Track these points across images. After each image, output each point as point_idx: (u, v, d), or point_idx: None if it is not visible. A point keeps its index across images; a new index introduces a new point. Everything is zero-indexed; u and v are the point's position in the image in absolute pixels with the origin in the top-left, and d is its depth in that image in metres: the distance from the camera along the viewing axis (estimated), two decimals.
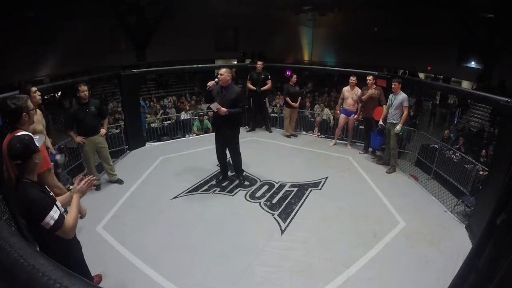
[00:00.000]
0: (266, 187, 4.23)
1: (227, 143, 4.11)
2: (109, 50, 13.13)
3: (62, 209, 1.79)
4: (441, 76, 13.78)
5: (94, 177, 2.01)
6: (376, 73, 5.70)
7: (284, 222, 3.47)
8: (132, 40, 13.29)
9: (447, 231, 3.47)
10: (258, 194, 4.06)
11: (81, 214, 1.96)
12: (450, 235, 3.41)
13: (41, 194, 1.64)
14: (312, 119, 7.62)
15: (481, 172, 5.16)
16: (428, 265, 2.91)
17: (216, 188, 4.18)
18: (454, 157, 6.15)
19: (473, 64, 12.52)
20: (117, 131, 6.30)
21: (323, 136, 6.78)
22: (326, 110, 8.85)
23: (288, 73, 7.92)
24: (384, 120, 4.91)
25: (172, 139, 6.58)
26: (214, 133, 4.34)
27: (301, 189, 4.19)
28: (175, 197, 3.95)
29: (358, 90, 5.45)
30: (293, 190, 4.15)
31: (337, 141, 6.02)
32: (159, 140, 6.70)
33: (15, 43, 9.72)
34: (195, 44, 14.67)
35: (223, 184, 4.28)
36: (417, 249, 3.11)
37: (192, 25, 14.27)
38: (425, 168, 5.72)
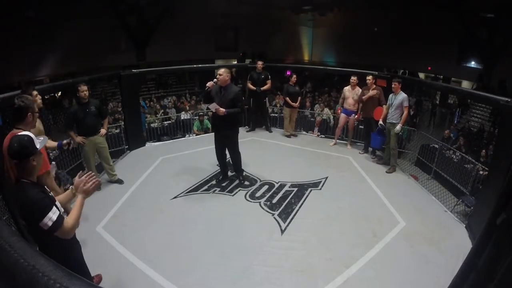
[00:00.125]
0: (266, 187, 4.23)
1: (226, 143, 4.12)
2: (109, 50, 13.12)
3: (62, 210, 1.78)
4: (441, 76, 13.77)
5: (99, 179, 1.99)
6: (376, 73, 5.71)
7: (284, 222, 3.47)
8: (132, 40, 13.29)
9: (447, 231, 3.47)
10: (258, 194, 4.07)
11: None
12: (450, 235, 3.41)
13: (40, 195, 1.64)
14: (312, 119, 7.62)
15: (481, 172, 5.16)
16: (428, 265, 2.91)
17: (216, 188, 4.18)
18: (454, 157, 6.15)
19: (473, 64, 12.51)
20: (117, 131, 6.30)
21: (323, 136, 6.78)
22: (326, 110, 8.85)
23: (288, 73, 7.92)
24: (384, 120, 4.91)
25: (172, 139, 6.58)
26: (213, 133, 4.35)
27: (301, 189, 4.19)
28: (175, 197, 3.95)
29: (359, 90, 5.45)
30: (293, 190, 4.15)
31: (337, 141, 6.02)
32: (159, 140, 6.70)
33: (15, 43, 9.71)
34: (195, 44, 14.67)
35: (223, 184, 4.28)
36: (417, 249, 3.11)
37: (192, 25, 14.27)
38: (425, 168, 5.73)
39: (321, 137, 6.72)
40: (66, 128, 3.88)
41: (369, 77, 5.23)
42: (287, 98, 6.08)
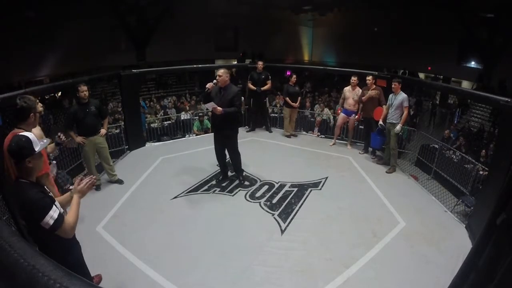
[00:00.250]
0: (266, 187, 4.23)
1: (226, 143, 4.11)
2: (109, 50, 13.12)
3: (62, 209, 1.79)
4: (441, 76, 13.77)
5: (95, 177, 1.99)
6: (376, 73, 5.70)
7: (284, 222, 3.47)
8: (132, 40, 13.29)
9: (447, 231, 3.47)
10: (258, 194, 4.07)
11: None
12: (450, 235, 3.41)
13: (40, 195, 1.64)
14: (312, 119, 7.62)
15: (481, 172, 5.16)
16: (428, 265, 2.91)
17: (216, 188, 4.18)
18: (454, 157, 6.15)
19: (473, 64, 12.51)
20: (117, 131, 6.31)
21: (323, 136, 6.78)
22: (326, 110, 8.86)
23: (288, 73, 7.92)
24: (384, 120, 4.91)
25: (172, 139, 6.59)
26: (213, 134, 4.34)
27: (301, 189, 4.19)
28: (175, 197, 3.95)
29: (359, 90, 5.45)
30: (293, 190, 4.15)
31: (337, 141, 6.02)
32: (159, 140, 6.71)
33: (15, 43, 9.71)
34: (195, 44, 14.67)
35: (223, 184, 4.28)
36: (417, 249, 3.11)
37: (192, 25, 14.27)
38: (425, 168, 5.73)
39: (321, 137, 6.72)
40: (66, 128, 3.88)
41: (369, 77, 5.23)
42: (287, 98, 6.08)
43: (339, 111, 5.91)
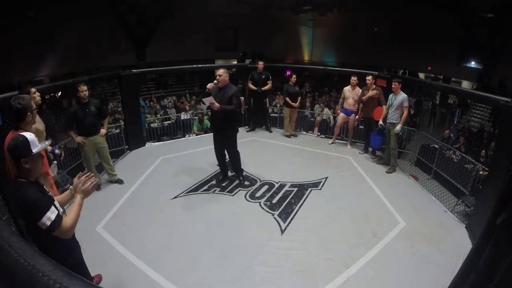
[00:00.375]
0: (266, 187, 4.23)
1: (225, 143, 4.12)
2: (109, 50, 13.12)
3: (61, 210, 1.78)
4: (441, 76, 13.77)
5: (93, 174, 1.98)
6: (376, 73, 5.70)
7: (284, 222, 3.47)
8: (132, 40, 13.28)
9: (447, 231, 3.47)
10: (258, 194, 4.07)
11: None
12: (450, 235, 3.41)
13: (38, 194, 1.63)
14: (312, 119, 7.62)
15: (481, 172, 5.16)
16: (428, 265, 2.91)
17: (216, 188, 4.18)
18: (454, 157, 6.15)
19: (473, 64, 12.51)
20: (117, 131, 6.30)
21: (323, 136, 6.78)
22: (326, 110, 8.85)
23: (288, 73, 7.92)
24: (384, 120, 4.91)
25: (172, 139, 6.58)
26: (213, 134, 4.34)
27: (301, 189, 4.19)
28: (175, 197, 3.95)
29: (359, 90, 5.45)
30: (293, 190, 4.15)
31: (337, 141, 6.03)
32: (159, 140, 6.70)
33: (15, 43, 9.71)
34: (195, 44, 14.67)
35: (223, 184, 4.28)
36: (417, 249, 3.11)
37: (192, 25, 14.27)
38: (425, 168, 5.72)
39: (321, 137, 6.72)
40: (66, 128, 3.88)
41: (369, 77, 5.23)
42: (287, 98, 6.08)
43: (339, 111, 5.91)
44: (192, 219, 3.52)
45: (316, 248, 3.09)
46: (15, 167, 1.62)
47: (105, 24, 12.21)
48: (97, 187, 4.06)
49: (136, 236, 3.19)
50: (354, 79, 5.47)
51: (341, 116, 5.72)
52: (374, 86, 5.22)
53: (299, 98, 6.35)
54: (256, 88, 6.14)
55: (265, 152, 5.50)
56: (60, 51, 11.50)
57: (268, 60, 7.71)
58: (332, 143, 5.99)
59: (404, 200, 4.04)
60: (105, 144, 4.15)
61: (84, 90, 3.77)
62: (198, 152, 5.44)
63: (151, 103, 10.93)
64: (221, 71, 3.79)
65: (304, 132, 6.94)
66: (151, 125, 7.80)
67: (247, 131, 6.50)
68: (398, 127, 4.65)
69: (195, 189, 4.16)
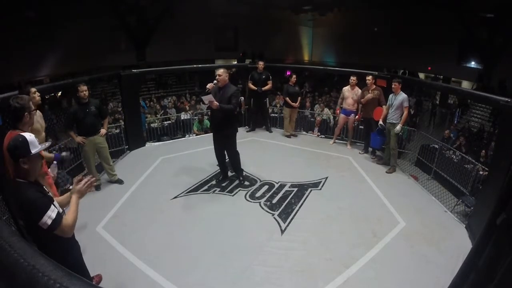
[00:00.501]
0: (266, 187, 4.23)
1: (225, 143, 4.12)
2: (109, 50, 13.11)
3: (61, 209, 1.78)
4: (441, 76, 13.76)
5: (94, 178, 2.00)
6: (376, 73, 5.70)
7: (284, 222, 3.47)
8: (132, 40, 13.29)
9: (447, 231, 3.47)
10: (258, 194, 4.07)
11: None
12: (450, 235, 3.41)
13: (38, 194, 1.63)
14: (312, 119, 7.62)
15: (481, 172, 5.16)
16: (428, 265, 2.91)
17: (216, 188, 4.18)
18: (454, 157, 6.15)
19: (473, 64, 12.50)
20: (117, 131, 6.30)
21: (323, 136, 6.78)
22: (326, 110, 8.86)
23: (288, 73, 7.92)
24: (384, 120, 4.91)
25: (172, 139, 6.58)
26: (212, 134, 4.34)
27: (301, 189, 4.19)
28: (175, 197, 3.95)
29: (358, 90, 5.45)
30: (293, 190, 4.15)
31: (337, 141, 6.04)
32: (159, 140, 6.70)
33: (15, 43, 9.71)
34: (195, 44, 14.66)
35: (223, 184, 4.28)
36: (417, 249, 3.11)
37: (192, 25, 14.26)
38: (425, 168, 5.72)
39: (321, 137, 6.72)
40: (66, 128, 3.88)
41: (369, 77, 5.23)
42: (287, 98, 6.08)
43: (338, 111, 5.91)
44: (192, 219, 3.52)
45: (316, 248, 3.09)
46: (14, 167, 1.62)
47: (105, 24, 12.20)
48: (97, 187, 4.08)
49: (136, 236, 3.19)
50: (353, 79, 5.47)
51: (342, 117, 5.72)
52: (374, 86, 5.22)
53: (299, 98, 6.35)
54: (256, 88, 6.14)
55: (265, 152, 5.50)
56: (60, 51, 11.49)
57: (268, 60, 7.70)
58: (333, 142, 6.00)
59: (404, 200, 4.04)
60: (105, 144, 4.15)
61: (84, 90, 3.77)
62: (198, 152, 5.44)
63: (151, 103, 10.93)
64: (220, 71, 3.80)
65: (304, 132, 6.94)
66: (151, 125, 7.80)
67: (247, 131, 6.50)
68: (398, 127, 4.65)
69: (195, 189, 4.16)
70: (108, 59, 12.64)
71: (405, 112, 4.66)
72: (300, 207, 3.79)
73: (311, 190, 4.18)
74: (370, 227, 3.43)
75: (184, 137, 6.89)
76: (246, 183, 4.31)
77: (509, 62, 9.88)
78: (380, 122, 4.96)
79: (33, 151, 1.63)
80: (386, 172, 4.86)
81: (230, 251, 3.01)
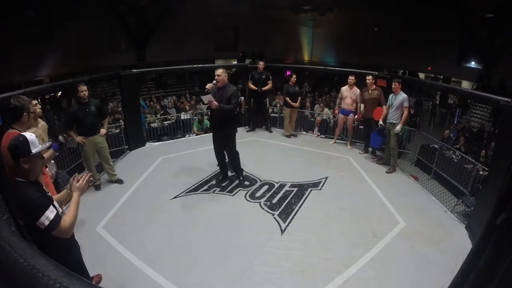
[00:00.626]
0: (266, 187, 4.23)
1: (224, 143, 4.12)
2: (109, 50, 13.12)
3: (60, 210, 1.78)
4: (441, 76, 13.76)
5: (90, 173, 1.99)
6: (376, 73, 5.70)
7: (284, 222, 3.47)
8: (132, 40, 13.29)
9: (447, 231, 3.47)
10: (258, 194, 4.06)
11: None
12: (450, 235, 3.41)
13: (37, 194, 1.63)
14: (312, 119, 7.62)
15: (481, 172, 5.16)
16: (428, 265, 2.91)
17: (216, 188, 4.18)
18: (454, 157, 6.15)
19: (473, 64, 12.50)
20: (117, 131, 6.31)
21: (323, 136, 6.78)
22: (326, 110, 8.86)
23: (288, 73, 7.91)
24: (384, 120, 4.91)
25: (172, 139, 6.58)
26: (212, 134, 4.34)
27: (301, 189, 4.19)
28: (175, 197, 3.95)
29: (357, 90, 5.46)
30: (293, 190, 4.15)
31: (337, 141, 6.04)
32: (159, 140, 6.70)
33: (15, 43, 9.71)
34: (195, 44, 14.67)
35: (223, 184, 4.28)
36: (417, 249, 3.11)
37: (192, 25, 14.27)
38: (425, 168, 5.73)
39: (321, 137, 6.72)
40: (66, 128, 3.87)
41: (369, 77, 5.22)
42: (287, 98, 6.08)
43: (337, 111, 5.90)
44: (192, 219, 3.52)
45: (316, 248, 3.09)
46: (14, 167, 1.62)
47: (105, 24, 12.20)
48: (97, 187, 4.08)
49: (136, 236, 3.19)
50: (351, 78, 5.48)
51: (341, 117, 5.73)
52: (374, 86, 5.22)
53: (299, 98, 6.35)
54: (256, 88, 6.14)
55: (265, 152, 5.50)
56: (60, 51, 11.50)
57: (268, 60, 7.71)
58: (334, 142, 6.00)
59: (404, 200, 4.04)
60: (105, 144, 4.15)
61: (84, 90, 3.78)
62: (198, 152, 5.44)
63: (151, 103, 10.93)
64: (220, 71, 3.80)
65: (304, 132, 6.94)
66: (151, 125, 7.81)
67: (247, 131, 6.50)
68: (398, 127, 4.65)
69: (195, 189, 4.16)
70: (108, 59, 12.64)
71: (405, 112, 4.66)
72: (300, 207, 3.79)
73: (311, 190, 4.18)
74: (370, 227, 3.43)
75: (184, 137, 6.89)
76: (246, 183, 4.31)
77: (509, 62, 9.88)
78: (380, 122, 4.96)
79: (34, 150, 1.63)
80: (386, 172, 4.86)
81: (230, 251, 3.01)
